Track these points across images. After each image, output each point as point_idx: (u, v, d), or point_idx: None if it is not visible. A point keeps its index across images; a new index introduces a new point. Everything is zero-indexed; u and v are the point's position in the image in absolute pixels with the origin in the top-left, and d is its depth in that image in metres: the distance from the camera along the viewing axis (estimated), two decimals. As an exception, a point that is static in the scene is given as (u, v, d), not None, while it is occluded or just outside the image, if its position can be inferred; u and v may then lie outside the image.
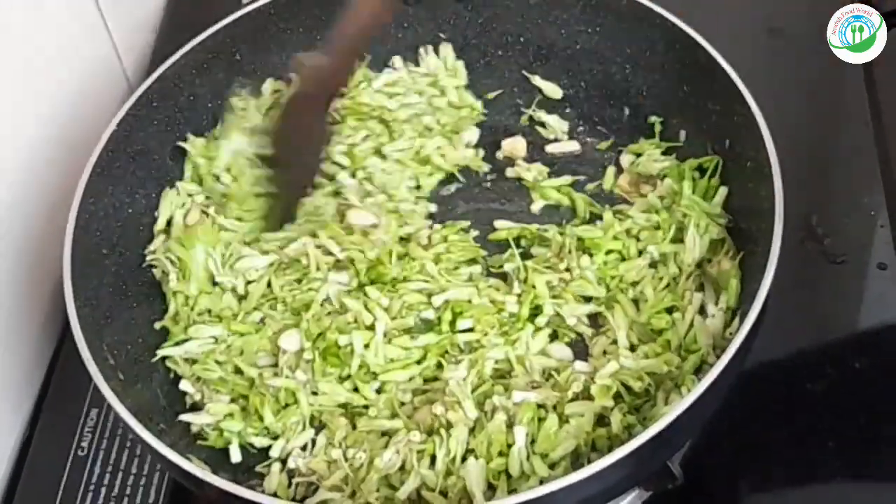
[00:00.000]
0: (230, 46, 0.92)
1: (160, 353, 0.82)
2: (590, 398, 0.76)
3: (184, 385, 0.82)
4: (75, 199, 0.81)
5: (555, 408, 0.76)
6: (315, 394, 0.79)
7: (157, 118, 0.89)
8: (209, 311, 0.85)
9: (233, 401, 0.81)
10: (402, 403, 0.79)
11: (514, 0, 0.95)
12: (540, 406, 0.76)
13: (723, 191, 0.84)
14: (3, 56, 0.88)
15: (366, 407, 0.79)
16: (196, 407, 0.81)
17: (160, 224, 0.88)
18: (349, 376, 0.80)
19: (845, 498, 0.80)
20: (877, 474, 0.81)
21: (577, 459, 0.74)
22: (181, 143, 0.91)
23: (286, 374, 0.80)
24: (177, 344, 0.83)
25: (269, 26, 0.93)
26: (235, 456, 0.79)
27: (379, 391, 0.80)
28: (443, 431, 0.75)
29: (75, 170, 0.83)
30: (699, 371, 0.77)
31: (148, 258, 0.86)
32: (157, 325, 0.84)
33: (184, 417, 0.80)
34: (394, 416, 0.78)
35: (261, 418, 0.79)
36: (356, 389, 0.80)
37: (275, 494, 0.76)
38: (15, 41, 0.89)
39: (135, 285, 0.85)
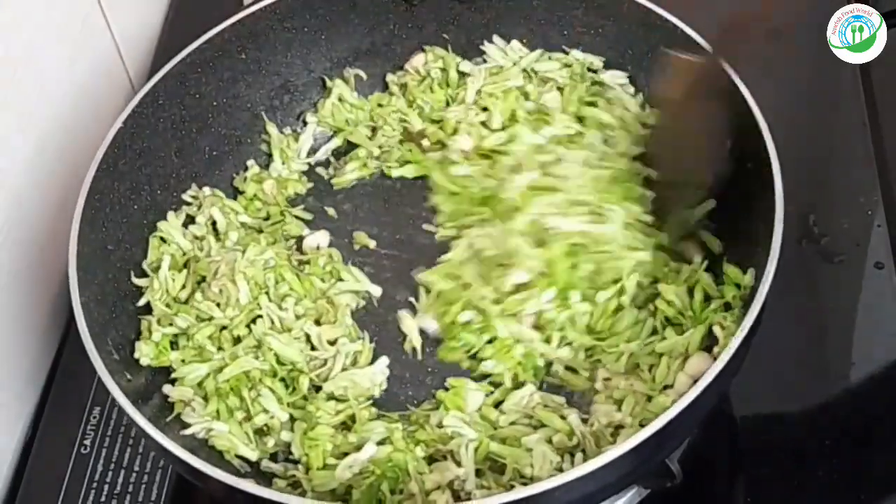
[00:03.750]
0: (236, 45, 0.92)
1: (167, 392, 0.81)
2: None
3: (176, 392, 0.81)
4: (81, 196, 0.81)
5: None
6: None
7: (162, 116, 0.89)
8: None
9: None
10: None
11: (517, 1, 0.95)
12: None
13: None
14: (6, 56, 0.88)
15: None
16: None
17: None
18: None
19: (843, 497, 0.80)
20: (874, 473, 0.81)
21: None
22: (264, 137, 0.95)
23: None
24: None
25: (274, 26, 0.94)
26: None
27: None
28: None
29: (80, 169, 0.83)
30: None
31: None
32: (144, 362, 0.81)
33: (166, 389, 0.80)
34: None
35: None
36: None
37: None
38: (18, 41, 0.90)
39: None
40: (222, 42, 0.91)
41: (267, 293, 0.84)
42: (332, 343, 0.82)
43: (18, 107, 0.90)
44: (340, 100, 0.97)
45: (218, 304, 0.83)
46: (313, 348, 0.82)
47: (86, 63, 1.02)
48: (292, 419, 0.79)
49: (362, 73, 0.98)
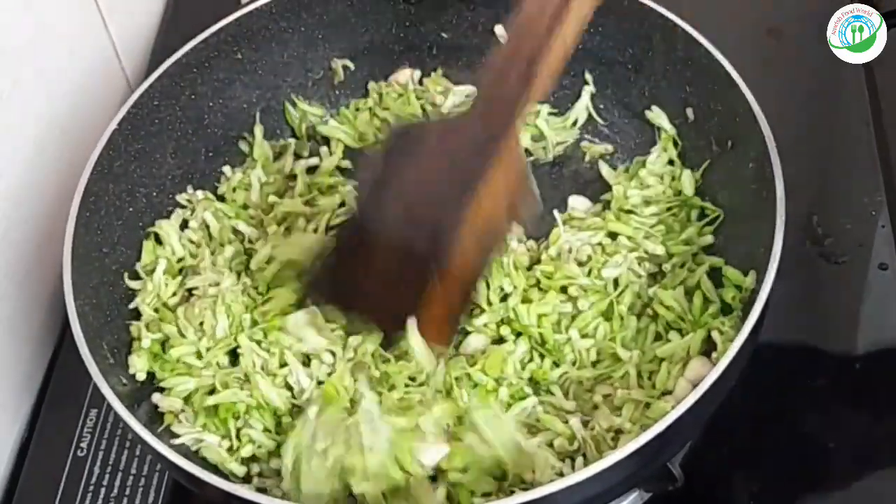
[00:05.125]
0: (232, 45, 0.92)
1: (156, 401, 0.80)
2: None
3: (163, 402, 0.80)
4: (76, 198, 0.80)
5: None
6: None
7: (158, 117, 0.88)
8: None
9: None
10: None
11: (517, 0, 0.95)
12: None
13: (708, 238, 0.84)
14: (2, 56, 0.88)
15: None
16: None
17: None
18: None
19: (846, 499, 0.80)
20: (877, 475, 0.81)
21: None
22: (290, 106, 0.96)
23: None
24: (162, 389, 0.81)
25: (270, 25, 0.93)
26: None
27: None
28: None
29: (75, 169, 0.82)
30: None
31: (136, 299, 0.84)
32: (140, 377, 0.80)
33: (155, 398, 0.79)
34: None
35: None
36: None
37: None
38: (14, 41, 0.89)
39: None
40: (219, 42, 0.91)
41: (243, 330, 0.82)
42: (320, 384, 0.79)
43: (16, 107, 0.90)
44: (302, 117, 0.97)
45: (201, 324, 0.82)
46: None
47: (83, 63, 1.02)
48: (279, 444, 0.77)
49: (350, 65, 0.98)
